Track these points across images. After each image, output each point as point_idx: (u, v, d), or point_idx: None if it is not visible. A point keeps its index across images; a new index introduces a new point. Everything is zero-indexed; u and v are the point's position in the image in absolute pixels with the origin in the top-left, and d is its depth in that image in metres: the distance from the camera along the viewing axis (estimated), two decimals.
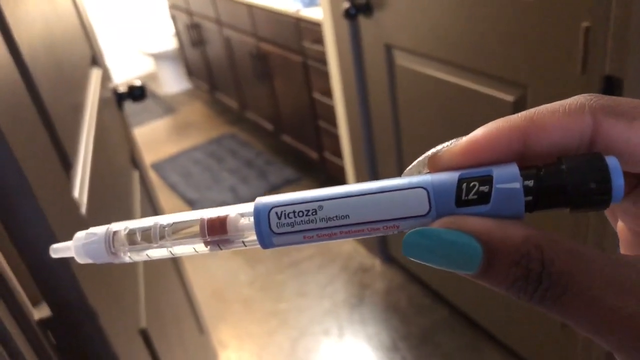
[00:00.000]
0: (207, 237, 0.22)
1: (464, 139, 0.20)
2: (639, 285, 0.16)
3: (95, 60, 0.96)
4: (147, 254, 0.23)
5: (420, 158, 0.21)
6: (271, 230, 0.20)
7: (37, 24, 0.58)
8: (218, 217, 0.22)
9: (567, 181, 0.18)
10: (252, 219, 0.21)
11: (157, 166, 2.70)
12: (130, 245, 0.23)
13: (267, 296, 1.78)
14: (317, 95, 2.01)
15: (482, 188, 0.19)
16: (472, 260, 0.18)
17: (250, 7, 2.23)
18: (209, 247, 0.22)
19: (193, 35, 2.99)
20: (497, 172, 0.19)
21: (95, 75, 0.89)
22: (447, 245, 0.18)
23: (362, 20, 1.35)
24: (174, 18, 3.25)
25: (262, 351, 1.58)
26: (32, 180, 0.42)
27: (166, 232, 0.22)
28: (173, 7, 3.18)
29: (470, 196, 0.19)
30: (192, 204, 2.32)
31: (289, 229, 0.20)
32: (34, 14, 0.58)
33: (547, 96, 0.92)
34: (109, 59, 1.20)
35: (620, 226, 0.22)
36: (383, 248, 1.79)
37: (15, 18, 0.49)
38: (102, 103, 0.84)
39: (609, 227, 0.81)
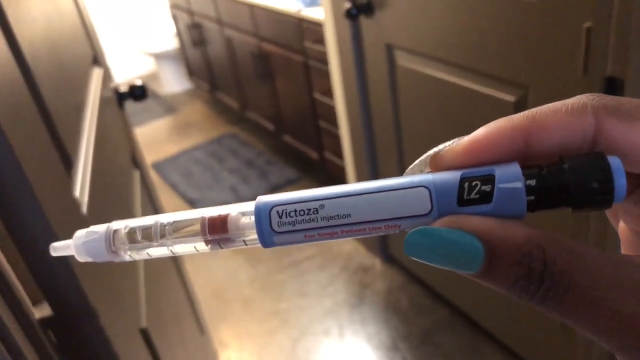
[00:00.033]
0: (208, 235, 0.22)
1: (466, 139, 0.20)
2: None
3: (97, 59, 0.96)
4: (147, 253, 0.23)
5: (422, 157, 0.21)
6: (272, 229, 0.20)
7: (38, 23, 0.58)
8: (219, 215, 0.22)
9: (569, 181, 0.18)
10: (253, 217, 0.21)
11: (157, 166, 2.70)
12: (130, 243, 0.23)
13: (267, 296, 1.78)
14: (318, 95, 2.01)
15: (484, 187, 0.19)
16: (473, 259, 0.18)
17: (252, 7, 2.23)
18: (209, 245, 0.22)
19: (194, 35, 2.99)
20: (499, 171, 0.19)
21: (97, 74, 0.89)
22: (448, 245, 0.18)
23: (363, 20, 1.35)
24: (175, 18, 3.24)
25: (262, 351, 1.58)
26: (32, 179, 0.42)
27: (167, 231, 0.22)
28: (174, 6, 3.18)
29: (472, 195, 0.19)
30: (193, 204, 2.32)
31: (290, 227, 0.20)
32: (36, 13, 0.58)
33: (549, 97, 0.92)
34: (110, 59, 1.20)
35: (621, 226, 0.22)
36: (383, 248, 1.78)
37: (16, 17, 0.49)
38: (103, 102, 0.84)
39: (610, 227, 0.81)
